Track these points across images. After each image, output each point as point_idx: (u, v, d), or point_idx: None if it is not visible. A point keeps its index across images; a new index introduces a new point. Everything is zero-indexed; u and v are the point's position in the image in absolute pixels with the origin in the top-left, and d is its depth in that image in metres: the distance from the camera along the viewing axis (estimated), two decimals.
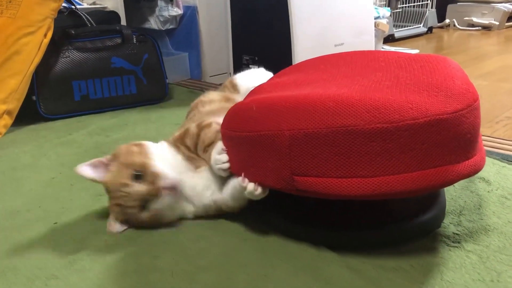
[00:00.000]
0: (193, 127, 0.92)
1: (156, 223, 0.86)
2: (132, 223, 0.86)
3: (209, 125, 0.90)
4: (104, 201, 0.98)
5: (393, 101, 0.69)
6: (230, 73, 2.00)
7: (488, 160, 1.07)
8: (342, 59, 0.98)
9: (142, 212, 0.84)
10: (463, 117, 0.69)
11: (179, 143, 0.92)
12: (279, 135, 0.74)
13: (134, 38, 1.66)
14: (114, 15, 1.79)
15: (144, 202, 0.83)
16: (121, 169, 0.84)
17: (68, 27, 1.60)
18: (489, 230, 0.82)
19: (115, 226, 0.85)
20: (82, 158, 0.91)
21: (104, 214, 0.93)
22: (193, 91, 1.89)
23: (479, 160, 0.74)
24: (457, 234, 0.81)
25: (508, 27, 3.57)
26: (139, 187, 0.82)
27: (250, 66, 1.88)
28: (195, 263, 0.76)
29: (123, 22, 1.86)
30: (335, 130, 0.70)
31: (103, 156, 0.88)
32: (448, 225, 0.84)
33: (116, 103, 1.65)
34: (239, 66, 1.93)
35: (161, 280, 0.73)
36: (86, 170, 0.85)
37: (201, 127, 0.91)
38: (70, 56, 1.57)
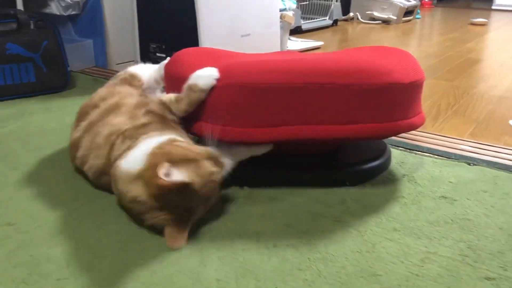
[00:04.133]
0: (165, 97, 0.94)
1: None
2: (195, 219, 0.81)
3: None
4: None
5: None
6: (137, 61, 1.97)
7: None
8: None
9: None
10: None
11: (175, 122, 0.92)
12: None
13: (32, 24, 1.57)
14: None
15: None
16: (200, 163, 0.79)
17: None
18: (368, 208, 0.90)
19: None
20: None
21: None
22: (98, 79, 1.84)
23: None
24: (341, 211, 0.89)
25: (405, 22, 3.85)
26: (220, 171, 0.83)
27: (157, 54, 1.87)
28: (92, 252, 0.77)
29: (20, 6, 1.76)
30: None
31: None
32: (334, 203, 0.92)
33: (13, 91, 1.57)
34: (146, 54, 1.91)
35: (55, 271, 0.72)
36: (175, 173, 0.74)
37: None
38: None
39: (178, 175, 0.74)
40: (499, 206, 0.92)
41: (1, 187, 0.98)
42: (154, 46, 1.87)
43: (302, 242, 0.80)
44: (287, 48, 2.53)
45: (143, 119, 0.91)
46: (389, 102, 0.89)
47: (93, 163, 0.92)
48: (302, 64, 0.89)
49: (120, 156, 0.85)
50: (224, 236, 0.81)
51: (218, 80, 0.89)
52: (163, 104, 0.92)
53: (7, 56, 1.53)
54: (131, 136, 0.88)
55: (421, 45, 3.02)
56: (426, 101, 1.70)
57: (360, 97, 0.87)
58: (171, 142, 0.83)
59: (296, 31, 3.11)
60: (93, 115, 0.99)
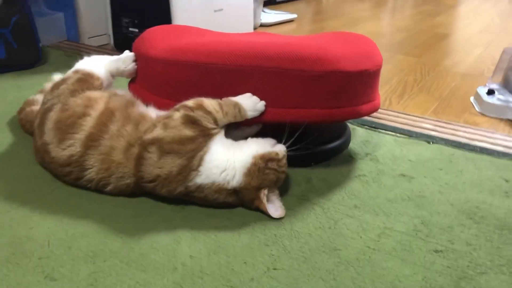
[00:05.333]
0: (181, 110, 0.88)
1: None
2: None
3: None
4: None
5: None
6: (109, 35, 1.96)
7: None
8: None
9: None
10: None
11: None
12: None
13: None
14: None
15: None
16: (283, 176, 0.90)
17: None
18: (332, 186, 0.97)
19: None
20: None
21: None
22: (70, 54, 1.83)
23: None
24: (306, 189, 0.95)
25: None
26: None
27: (130, 29, 1.87)
28: (71, 232, 0.81)
29: None
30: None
31: None
32: (300, 182, 0.98)
33: None
34: (119, 29, 1.90)
35: (37, 250, 0.76)
36: (274, 208, 0.87)
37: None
38: None
39: (274, 211, 0.86)
40: (452, 184, 0.99)
41: None
42: (127, 21, 1.87)
43: (269, 220, 0.86)
44: (261, 21, 2.55)
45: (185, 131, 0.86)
46: (334, 89, 0.92)
47: (119, 184, 0.87)
48: (249, 47, 0.93)
49: (178, 173, 0.83)
50: (197, 215, 0.86)
51: (167, 56, 0.96)
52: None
53: None
54: (179, 150, 0.84)
55: (393, 18, 3.06)
56: (394, 77, 1.77)
57: (305, 83, 0.91)
58: (263, 159, 0.86)
59: (270, 3, 3.11)
60: (88, 125, 0.90)
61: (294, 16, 2.74)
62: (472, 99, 1.55)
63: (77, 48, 1.92)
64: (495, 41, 2.40)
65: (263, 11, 2.71)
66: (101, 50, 1.95)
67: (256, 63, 0.92)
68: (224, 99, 0.91)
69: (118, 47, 1.94)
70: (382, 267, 0.75)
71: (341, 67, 0.92)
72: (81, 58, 1.10)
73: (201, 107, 0.87)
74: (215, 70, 0.93)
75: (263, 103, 0.92)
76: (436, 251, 0.79)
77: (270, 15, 2.67)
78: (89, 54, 1.83)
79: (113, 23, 1.91)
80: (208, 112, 0.87)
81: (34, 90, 1.45)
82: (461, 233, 0.84)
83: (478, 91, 1.52)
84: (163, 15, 1.75)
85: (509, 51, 1.59)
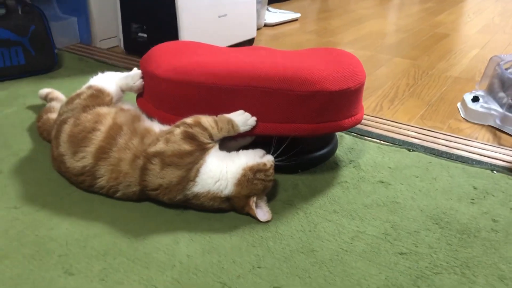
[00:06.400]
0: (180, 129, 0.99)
1: None
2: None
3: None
4: None
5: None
6: (120, 39, 2.08)
7: None
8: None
9: None
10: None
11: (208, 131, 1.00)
12: None
13: (19, 9, 1.67)
14: None
15: None
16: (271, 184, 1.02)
17: None
18: (316, 192, 1.08)
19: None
20: None
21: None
22: (83, 58, 1.96)
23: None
24: (293, 195, 1.07)
25: None
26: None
27: (139, 34, 1.98)
28: (86, 232, 0.94)
29: None
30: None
31: None
32: (288, 188, 1.09)
33: (4, 73, 1.69)
34: (128, 34, 2.01)
35: (57, 248, 0.90)
36: (262, 213, 0.98)
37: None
38: None
39: (262, 216, 0.98)
40: (425, 190, 1.10)
41: (4, 172, 1.14)
42: (136, 26, 1.98)
43: (257, 223, 0.98)
44: (265, 22, 2.64)
45: (184, 145, 0.97)
46: (318, 106, 1.04)
47: (127, 191, 1.00)
48: (244, 69, 1.05)
49: (178, 183, 0.95)
50: (194, 218, 0.99)
51: (170, 76, 1.07)
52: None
53: None
54: (178, 163, 0.95)
55: (396, 17, 3.13)
56: (388, 82, 1.86)
57: (292, 101, 1.03)
58: (251, 170, 0.97)
59: (275, 0, 3.20)
60: (98, 139, 1.01)
61: (297, 15, 2.83)
62: (459, 105, 1.64)
63: (90, 52, 2.05)
64: (491, 42, 2.48)
65: (268, 9, 2.80)
66: (112, 53, 2.07)
67: (249, 83, 1.03)
68: (219, 116, 1.02)
69: (128, 51, 2.06)
70: (352, 267, 0.87)
71: (325, 87, 1.03)
72: (95, 73, 1.22)
73: (198, 124, 0.99)
74: (213, 89, 1.05)
75: (254, 118, 1.04)
76: (401, 253, 0.90)
77: (274, 15, 2.77)
78: (99, 57, 1.95)
79: (123, 28, 2.02)
80: (205, 129, 0.99)
81: None
82: (425, 237, 0.95)
83: (464, 97, 1.62)
84: (170, 22, 1.86)
85: (495, 59, 1.67)
